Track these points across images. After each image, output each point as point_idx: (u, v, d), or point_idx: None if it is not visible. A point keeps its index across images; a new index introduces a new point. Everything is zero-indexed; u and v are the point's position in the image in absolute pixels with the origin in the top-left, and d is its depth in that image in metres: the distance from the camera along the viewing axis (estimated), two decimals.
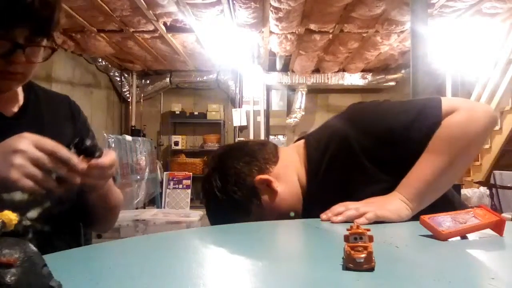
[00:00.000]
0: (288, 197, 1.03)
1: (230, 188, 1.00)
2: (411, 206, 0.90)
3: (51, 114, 0.98)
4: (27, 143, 0.70)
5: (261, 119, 7.60)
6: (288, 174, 1.05)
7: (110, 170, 0.79)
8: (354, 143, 0.96)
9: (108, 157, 0.78)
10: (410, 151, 0.93)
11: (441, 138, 0.91)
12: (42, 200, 0.89)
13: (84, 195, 0.93)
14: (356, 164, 0.96)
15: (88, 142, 0.77)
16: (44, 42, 0.85)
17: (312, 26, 5.14)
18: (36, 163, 0.69)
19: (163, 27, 5.19)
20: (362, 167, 0.96)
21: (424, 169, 0.92)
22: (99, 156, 0.77)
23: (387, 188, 0.94)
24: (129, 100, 7.79)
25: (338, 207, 0.90)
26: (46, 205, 0.90)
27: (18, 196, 0.85)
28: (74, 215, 1.00)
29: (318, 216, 0.93)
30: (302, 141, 1.10)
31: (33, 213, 0.87)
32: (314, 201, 1.02)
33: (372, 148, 0.95)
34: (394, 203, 0.90)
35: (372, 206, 0.88)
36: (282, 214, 1.02)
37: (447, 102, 0.95)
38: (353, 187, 0.97)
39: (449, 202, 1.02)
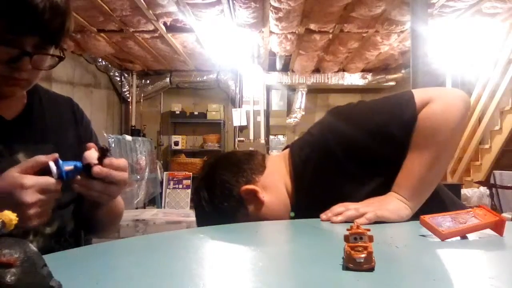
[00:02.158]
0: (275, 207, 1.03)
1: (217, 199, 1.00)
2: (410, 205, 0.91)
3: (54, 117, 0.97)
4: (29, 179, 0.69)
5: (261, 119, 7.60)
6: (274, 183, 1.05)
7: (124, 173, 0.80)
8: (336, 148, 0.96)
9: (121, 161, 0.79)
10: (392, 148, 0.93)
11: (423, 132, 0.92)
12: None
13: (91, 210, 0.92)
14: (340, 169, 0.96)
15: (109, 149, 0.78)
16: (52, 50, 0.84)
17: (312, 26, 5.14)
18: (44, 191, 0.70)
19: (163, 27, 5.18)
20: (346, 172, 0.96)
21: (414, 166, 0.92)
22: (108, 153, 0.78)
23: (377, 188, 0.94)
24: (129, 100, 7.79)
25: (338, 207, 0.90)
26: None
27: None
28: (76, 221, 1.00)
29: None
30: (288, 150, 1.11)
31: None
32: (304, 209, 1.02)
33: (353, 151, 0.96)
34: (393, 203, 0.90)
35: (372, 206, 0.89)
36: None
37: (419, 93, 0.95)
38: (342, 192, 0.97)
39: (440, 201, 1.03)
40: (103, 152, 0.75)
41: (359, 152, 0.96)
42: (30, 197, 0.68)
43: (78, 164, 0.74)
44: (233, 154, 1.13)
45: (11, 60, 0.78)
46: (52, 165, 0.70)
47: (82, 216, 0.98)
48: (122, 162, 0.79)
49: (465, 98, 0.96)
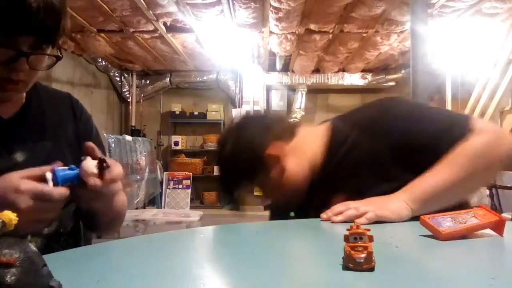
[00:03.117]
0: (294, 176, 1.02)
1: (241, 156, 1.01)
2: (412, 207, 0.89)
3: (52, 114, 0.96)
4: (26, 184, 0.68)
5: None
6: (301, 153, 1.04)
7: (118, 183, 0.78)
8: (380, 137, 0.96)
9: (117, 168, 0.77)
10: (431, 158, 0.92)
11: (463, 153, 0.90)
12: None
13: (89, 209, 0.92)
14: (375, 156, 0.96)
15: (107, 162, 0.75)
16: (49, 50, 0.83)
17: (312, 26, 5.14)
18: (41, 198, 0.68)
19: (163, 27, 5.18)
20: (379, 161, 0.96)
21: (436, 176, 0.91)
22: (106, 166, 0.75)
23: (397, 188, 0.93)
24: (129, 100, 7.79)
25: (338, 207, 0.90)
26: None
27: None
28: (77, 219, 0.99)
29: (317, 205, 0.93)
30: (328, 123, 1.10)
31: None
32: (321, 188, 1.01)
33: (396, 147, 0.95)
34: (395, 203, 0.89)
35: (373, 206, 0.88)
36: (284, 194, 1.02)
37: (477, 122, 0.95)
38: (363, 182, 0.97)
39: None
40: (101, 165, 0.74)
41: (401, 149, 0.95)
42: (24, 202, 0.66)
43: (75, 171, 0.72)
44: (264, 115, 1.13)
45: (8, 61, 0.76)
46: (48, 175, 0.69)
47: (82, 215, 0.98)
48: (117, 172, 0.77)
49: None
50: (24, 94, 0.93)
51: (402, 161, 0.95)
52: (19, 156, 0.85)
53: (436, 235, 0.71)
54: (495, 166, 0.94)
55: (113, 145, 4.69)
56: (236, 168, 1.01)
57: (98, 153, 0.77)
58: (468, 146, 0.90)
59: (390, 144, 0.96)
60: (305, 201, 1.05)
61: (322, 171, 1.04)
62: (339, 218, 0.87)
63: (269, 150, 1.01)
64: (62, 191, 0.69)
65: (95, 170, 0.73)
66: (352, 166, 0.99)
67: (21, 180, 0.68)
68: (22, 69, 0.78)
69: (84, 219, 1.00)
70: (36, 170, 0.70)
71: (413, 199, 0.89)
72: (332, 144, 1.04)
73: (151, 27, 5.20)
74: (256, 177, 1.01)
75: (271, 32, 5.33)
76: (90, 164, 0.73)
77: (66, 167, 0.72)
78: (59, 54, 0.85)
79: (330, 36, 5.44)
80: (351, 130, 1.01)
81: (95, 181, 0.72)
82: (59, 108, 1.00)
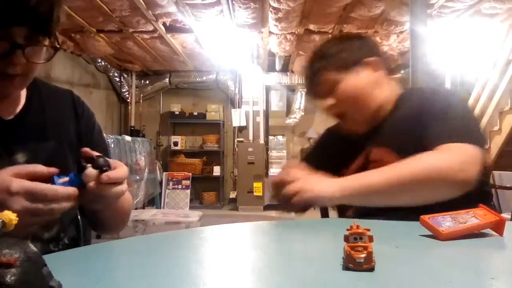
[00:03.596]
0: (367, 97, 1.10)
1: (341, 47, 1.09)
2: (338, 194, 0.92)
3: (54, 113, 0.94)
4: (17, 183, 0.65)
5: (261, 119, 7.60)
6: (382, 87, 1.13)
7: (121, 186, 0.76)
8: (423, 116, 1.02)
9: (120, 170, 0.76)
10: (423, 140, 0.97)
11: (413, 163, 0.91)
12: None
13: (93, 210, 0.89)
14: (415, 130, 1.02)
15: (101, 161, 0.73)
16: (46, 42, 0.81)
17: (312, 27, 5.15)
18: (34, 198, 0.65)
19: (163, 28, 5.18)
20: (416, 136, 1.01)
21: (378, 175, 0.92)
22: (108, 167, 0.74)
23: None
24: (128, 100, 7.79)
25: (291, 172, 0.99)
26: None
27: None
28: (78, 224, 0.98)
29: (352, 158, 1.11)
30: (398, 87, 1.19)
31: None
32: (368, 137, 1.11)
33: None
34: (325, 184, 0.94)
35: (303, 184, 0.94)
36: (349, 107, 1.09)
37: (458, 145, 0.94)
38: (401, 147, 1.02)
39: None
40: (101, 171, 0.73)
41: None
42: (16, 203, 0.63)
43: (74, 176, 0.71)
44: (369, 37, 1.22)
45: (3, 55, 0.75)
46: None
47: (86, 214, 0.97)
48: (120, 174, 0.75)
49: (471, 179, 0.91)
50: (25, 93, 0.92)
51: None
52: (20, 157, 0.85)
53: (436, 235, 0.71)
54: (439, 188, 0.90)
55: (112, 146, 4.68)
56: (329, 60, 1.07)
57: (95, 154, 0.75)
58: (421, 159, 0.91)
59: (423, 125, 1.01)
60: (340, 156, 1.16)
61: (379, 120, 1.12)
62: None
63: (371, 58, 1.10)
64: (69, 191, 0.67)
65: (96, 175, 0.72)
66: (399, 130, 1.06)
67: (12, 180, 0.65)
68: (18, 62, 0.76)
69: (88, 219, 0.99)
70: (29, 167, 0.68)
71: (344, 186, 0.92)
72: (398, 102, 1.13)
73: (150, 27, 5.20)
74: (346, 68, 1.07)
75: (270, 33, 5.33)
76: (92, 174, 0.72)
77: (66, 178, 0.70)
78: (56, 45, 0.83)
79: (330, 36, 5.44)
80: (413, 100, 1.09)
81: (94, 185, 0.71)
82: (60, 106, 0.98)
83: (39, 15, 0.76)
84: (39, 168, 0.69)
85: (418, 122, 1.02)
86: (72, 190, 0.68)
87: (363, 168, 1.09)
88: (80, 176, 0.71)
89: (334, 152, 1.22)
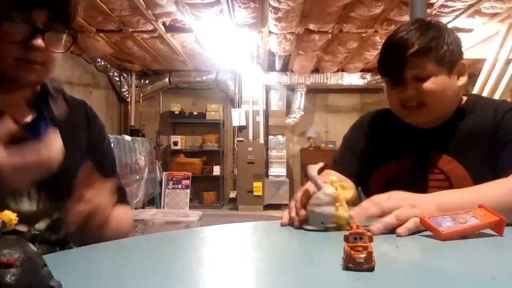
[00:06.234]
0: (452, 98, 1.09)
1: (450, 41, 1.06)
2: (431, 210, 0.83)
3: (67, 122, 0.93)
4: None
5: (260, 119, 7.60)
6: (461, 90, 1.13)
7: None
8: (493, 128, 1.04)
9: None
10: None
11: (506, 184, 0.90)
12: (52, 211, 0.87)
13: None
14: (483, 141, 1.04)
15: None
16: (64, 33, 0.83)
17: (311, 26, 5.14)
18: None
19: (162, 27, 5.18)
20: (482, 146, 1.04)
21: (470, 194, 0.89)
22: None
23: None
24: (128, 100, 7.79)
25: (370, 207, 0.82)
26: (55, 216, 0.87)
27: (26, 206, 0.82)
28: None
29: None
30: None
31: (41, 225, 0.85)
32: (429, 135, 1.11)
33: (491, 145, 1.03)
34: (427, 202, 0.84)
35: (412, 208, 0.80)
36: (429, 105, 1.06)
37: None
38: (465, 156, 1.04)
39: None
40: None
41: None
42: None
43: None
44: None
45: (24, 40, 0.76)
46: None
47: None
48: (89, 207, 0.77)
49: None
50: (38, 101, 0.91)
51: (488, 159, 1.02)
52: None
53: (436, 235, 0.71)
54: None
55: (112, 145, 4.69)
56: (436, 43, 1.04)
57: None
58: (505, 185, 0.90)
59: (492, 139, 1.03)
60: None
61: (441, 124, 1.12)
62: (380, 228, 0.77)
63: (463, 61, 1.09)
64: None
65: None
66: (466, 141, 1.07)
67: None
68: (39, 48, 0.77)
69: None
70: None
71: (442, 207, 0.83)
72: (463, 109, 1.13)
73: (150, 27, 5.20)
74: (447, 65, 1.05)
75: (270, 32, 5.33)
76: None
77: None
78: (74, 34, 0.85)
79: (329, 36, 5.44)
80: (483, 113, 1.09)
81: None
82: (74, 117, 0.97)
83: (58, 0, 0.78)
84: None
85: (490, 139, 1.03)
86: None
87: (420, 166, 1.10)
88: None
89: (382, 136, 1.21)
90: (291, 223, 0.86)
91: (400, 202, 0.80)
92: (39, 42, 0.77)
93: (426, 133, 1.13)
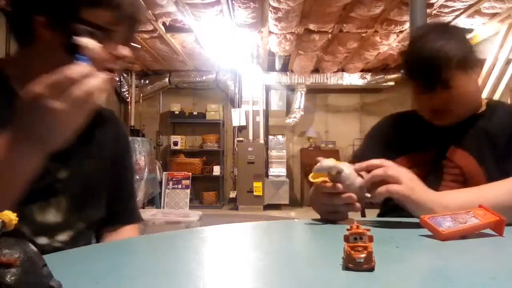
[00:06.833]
0: (476, 99, 1.14)
1: (470, 47, 1.10)
2: (436, 210, 0.84)
3: (99, 131, 0.94)
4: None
5: (260, 119, 7.61)
6: (477, 94, 1.16)
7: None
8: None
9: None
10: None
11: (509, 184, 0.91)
12: (76, 222, 0.87)
13: None
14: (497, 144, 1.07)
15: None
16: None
17: (311, 26, 5.15)
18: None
19: (162, 27, 5.18)
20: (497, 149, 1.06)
21: (474, 194, 0.90)
22: None
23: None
24: (128, 100, 7.79)
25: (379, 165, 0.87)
26: (80, 227, 0.87)
27: (51, 218, 0.82)
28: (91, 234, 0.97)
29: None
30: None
31: (63, 236, 0.84)
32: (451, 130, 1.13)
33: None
34: (427, 196, 0.86)
35: (409, 189, 0.84)
36: (454, 108, 1.10)
37: None
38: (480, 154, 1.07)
39: None
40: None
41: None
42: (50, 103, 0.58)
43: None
44: None
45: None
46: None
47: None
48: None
49: None
50: None
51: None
52: (62, 173, 0.84)
53: (436, 235, 0.71)
54: None
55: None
56: (437, 54, 1.05)
57: None
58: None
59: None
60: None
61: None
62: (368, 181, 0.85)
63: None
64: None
65: None
66: (485, 141, 1.09)
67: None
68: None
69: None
70: None
71: (446, 205, 0.85)
72: (485, 110, 1.16)
73: (150, 27, 5.20)
74: (470, 69, 1.08)
75: (270, 32, 5.33)
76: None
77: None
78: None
79: (329, 36, 5.44)
80: (504, 117, 1.12)
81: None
82: (104, 126, 0.98)
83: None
84: None
85: (507, 142, 1.05)
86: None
87: (437, 161, 1.13)
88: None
89: (406, 130, 1.24)
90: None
91: (403, 178, 0.85)
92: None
93: (447, 129, 1.16)
